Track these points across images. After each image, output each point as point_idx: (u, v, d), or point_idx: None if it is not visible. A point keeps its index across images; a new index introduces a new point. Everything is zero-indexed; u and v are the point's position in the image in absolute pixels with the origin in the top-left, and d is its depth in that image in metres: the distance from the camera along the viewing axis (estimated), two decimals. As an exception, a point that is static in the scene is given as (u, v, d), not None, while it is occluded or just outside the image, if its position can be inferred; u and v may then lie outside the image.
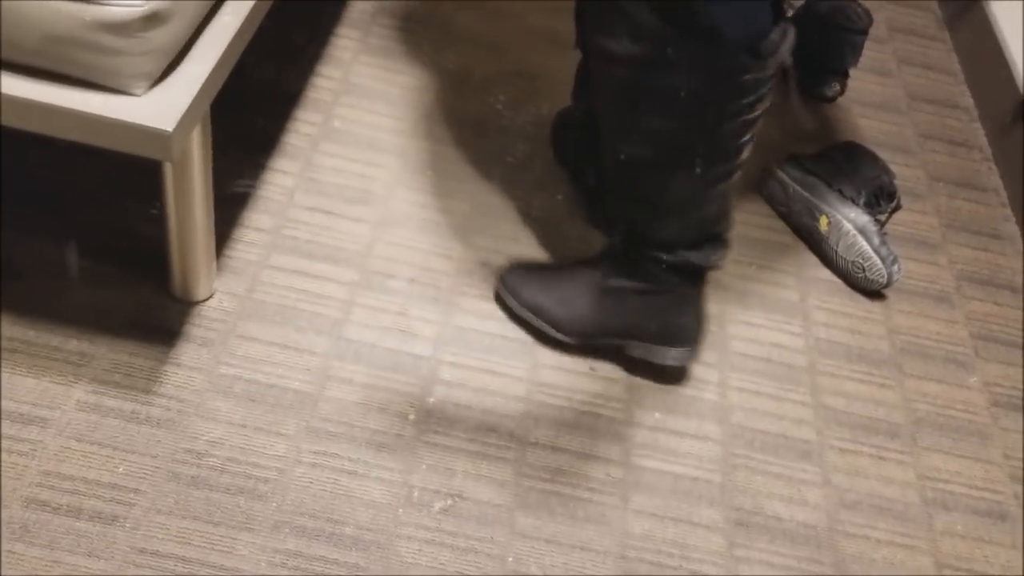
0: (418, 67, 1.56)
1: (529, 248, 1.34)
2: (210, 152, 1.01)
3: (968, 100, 1.83)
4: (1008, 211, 1.61)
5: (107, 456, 1.02)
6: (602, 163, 1.12)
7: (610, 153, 1.08)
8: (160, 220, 1.09)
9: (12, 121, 0.83)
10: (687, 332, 1.19)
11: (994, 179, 1.67)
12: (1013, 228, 1.58)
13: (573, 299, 1.19)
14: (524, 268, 1.25)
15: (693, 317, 1.19)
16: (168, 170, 0.99)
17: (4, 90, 0.81)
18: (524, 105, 1.54)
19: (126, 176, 1.27)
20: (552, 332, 1.20)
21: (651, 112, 1.01)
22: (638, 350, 1.20)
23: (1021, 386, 1.33)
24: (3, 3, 0.77)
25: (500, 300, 1.24)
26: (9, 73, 0.82)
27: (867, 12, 1.67)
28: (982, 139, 1.74)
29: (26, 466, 1.00)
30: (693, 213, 1.11)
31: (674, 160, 1.04)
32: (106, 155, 0.96)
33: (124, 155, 0.87)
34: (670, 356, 1.19)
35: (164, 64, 0.83)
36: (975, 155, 1.71)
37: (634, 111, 1.02)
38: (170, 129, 0.80)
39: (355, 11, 1.64)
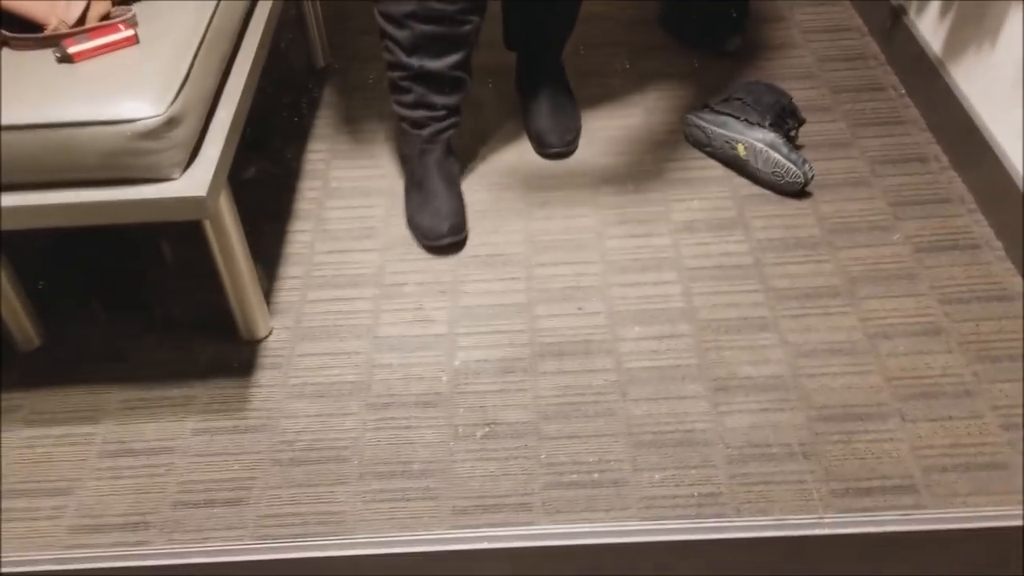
0: (387, 123, 1.89)
1: (503, 234, 1.64)
2: (237, 215, 1.34)
3: (857, 21, 2.11)
4: (907, 99, 1.87)
5: (224, 460, 1.33)
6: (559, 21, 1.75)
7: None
8: (216, 283, 1.41)
9: (94, 219, 1.16)
10: None
11: (891, 78, 1.93)
12: (914, 112, 1.84)
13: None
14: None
15: None
16: (211, 238, 1.31)
17: (83, 198, 1.14)
18: (474, 137, 1.86)
19: (180, 265, 1.61)
20: None
21: None
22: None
23: (939, 232, 1.58)
24: (67, 135, 1.11)
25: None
26: (81, 188, 1.15)
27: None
28: (875, 48, 2.02)
29: (166, 482, 1.31)
30: None
31: None
32: (167, 262, 1.28)
33: (181, 252, 1.19)
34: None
35: (188, 153, 1.16)
36: (871, 63, 1.98)
37: None
38: (204, 194, 1.13)
39: (327, 93, 1.99)
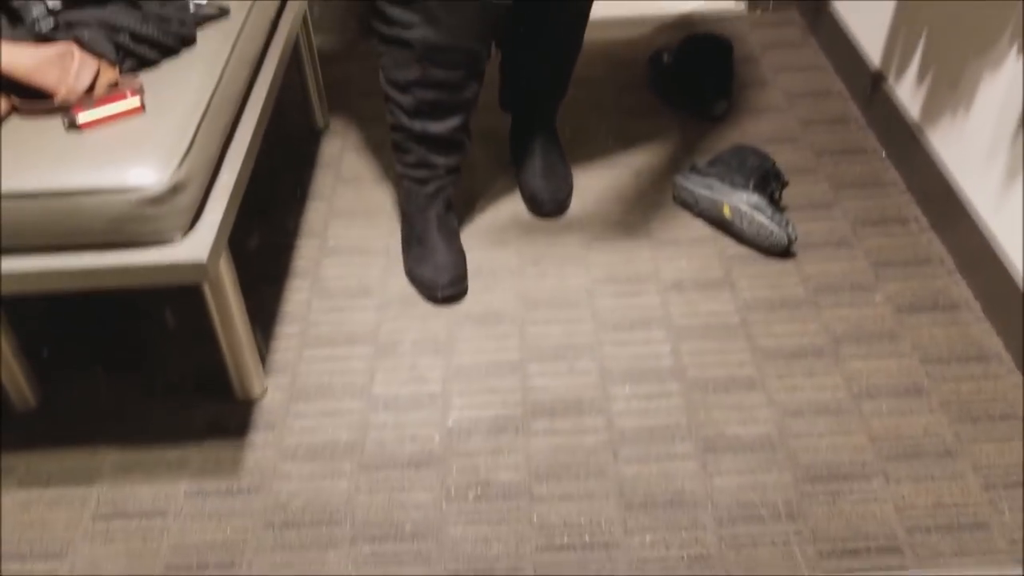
0: (384, 183, 1.93)
1: (497, 292, 1.67)
2: (236, 278, 1.36)
3: (839, 86, 2.17)
4: (887, 162, 1.92)
5: (216, 524, 1.34)
6: (557, 84, 1.83)
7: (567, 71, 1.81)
8: (212, 343, 1.43)
9: (94, 283, 1.18)
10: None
11: (871, 141, 1.99)
12: (894, 175, 1.89)
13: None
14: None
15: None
16: (210, 301, 1.34)
17: (83, 263, 1.17)
18: (467, 200, 1.90)
19: (176, 323, 1.63)
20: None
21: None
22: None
23: (919, 292, 1.63)
24: (76, 201, 1.14)
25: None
26: (82, 251, 1.18)
27: (724, 37, 2.04)
28: (856, 112, 2.08)
29: (159, 545, 1.31)
30: None
31: None
32: (164, 322, 1.30)
33: (180, 320, 1.21)
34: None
35: (190, 218, 1.19)
36: (852, 126, 2.03)
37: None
38: (204, 259, 1.16)
39: (326, 153, 2.03)
